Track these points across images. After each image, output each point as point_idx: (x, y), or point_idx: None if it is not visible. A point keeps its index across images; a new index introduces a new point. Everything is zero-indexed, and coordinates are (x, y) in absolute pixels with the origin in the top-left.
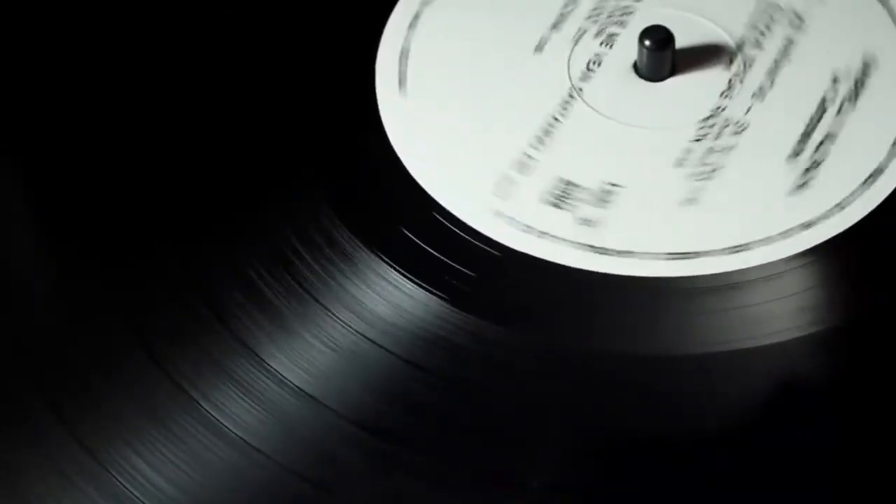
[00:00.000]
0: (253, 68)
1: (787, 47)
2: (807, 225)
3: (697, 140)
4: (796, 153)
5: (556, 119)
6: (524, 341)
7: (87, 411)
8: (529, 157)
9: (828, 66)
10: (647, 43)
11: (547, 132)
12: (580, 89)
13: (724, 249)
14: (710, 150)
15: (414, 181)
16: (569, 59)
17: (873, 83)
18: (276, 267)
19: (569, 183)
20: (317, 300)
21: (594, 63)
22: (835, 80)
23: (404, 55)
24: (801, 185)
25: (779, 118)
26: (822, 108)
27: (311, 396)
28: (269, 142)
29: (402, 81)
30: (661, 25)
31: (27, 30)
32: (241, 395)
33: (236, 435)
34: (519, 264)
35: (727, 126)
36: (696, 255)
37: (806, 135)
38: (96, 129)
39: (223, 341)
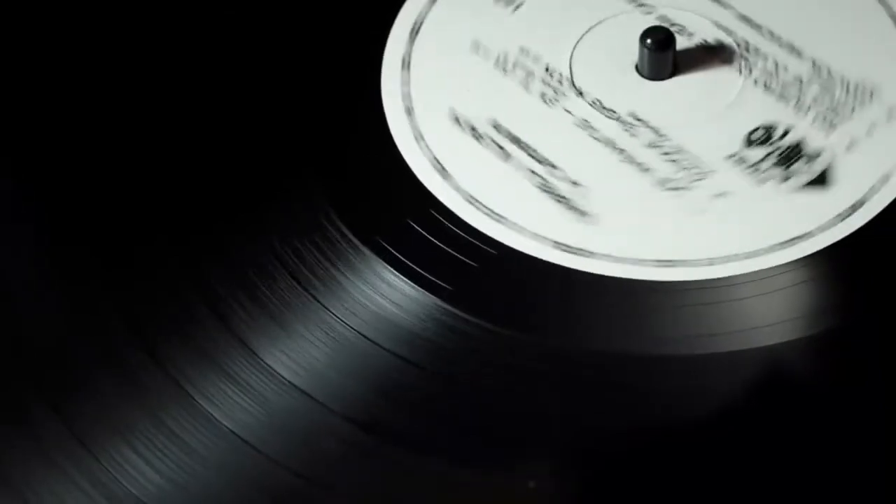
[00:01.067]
0: (252, 69)
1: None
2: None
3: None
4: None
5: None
6: (522, 340)
7: (86, 410)
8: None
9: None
10: (647, 42)
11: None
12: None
13: (700, 260)
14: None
15: (416, 179)
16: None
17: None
18: (274, 265)
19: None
20: (315, 298)
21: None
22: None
23: (413, 35)
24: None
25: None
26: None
27: (309, 395)
28: (269, 141)
29: (405, 64)
30: (661, 26)
31: (27, 30)
32: (240, 393)
33: (235, 433)
34: (519, 264)
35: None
36: (676, 263)
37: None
38: (97, 129)
39: (222, 339)
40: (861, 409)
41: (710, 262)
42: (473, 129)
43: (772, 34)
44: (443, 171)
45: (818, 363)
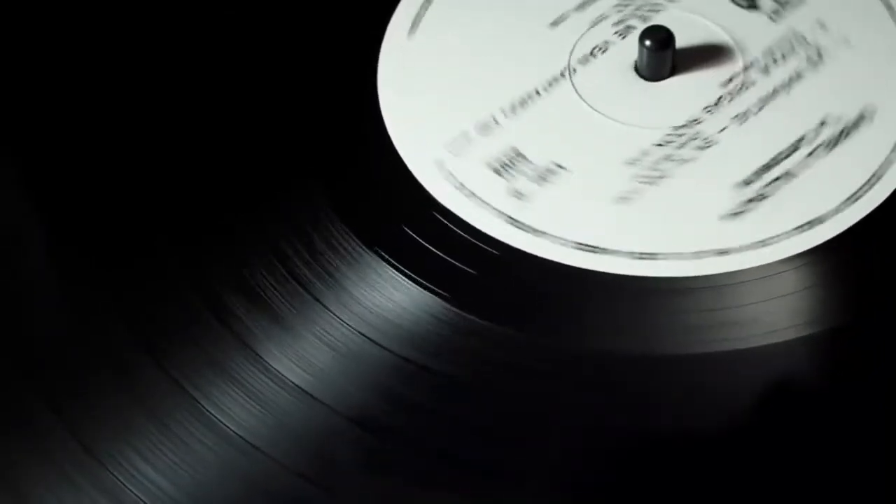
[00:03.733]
0: (252, 71)
1: (792, 80)
2: (722, 252)
3: (659, 145)
4: (747, 182)
5: (536, 93)
6: (524, 341)
7: (87, 411)
8: (495, 121)
9: (822, 108)
10: (646, 43)
11: (523, 103)
12: (574, 70)
13: (631, 253)
14: (667, 158)
15: (415, 180)
16: (577, 40)
17: (859, 136)
18: (275, 266)
19: (518, 154)
20: (316, 299)
21: (599, 50)
22: (822, 124)
23: (406, 49)
24: (736, 214)
25: (748, 145)
26: (794, 147)
27: (310, 395)
28: (269, 142)
29: (412, 24)
30: (662, 26)
31: (27, 29)
32: (241, 394)
33: (236, 434)
34: (519, 264)
35: (694, 139)
36: (603, 251)
37: (766, 167)
38: (98, 131)
39: (223, 340)
40: (861, 410)
41: (641, 255)
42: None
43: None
44: (444, 171)
45: (820, 362)
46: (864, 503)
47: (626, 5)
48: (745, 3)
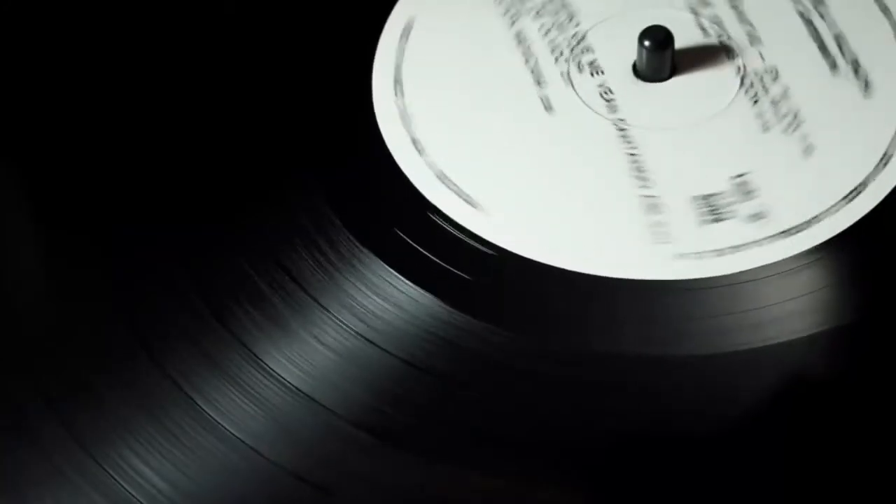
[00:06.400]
0: (252, 72)
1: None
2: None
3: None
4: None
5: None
6: (522, 341)
7: (85, 411)
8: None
9: None
10: (646, 43)
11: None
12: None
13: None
14: None
15: (409, 182)
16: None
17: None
18: (274, 267)
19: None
20: (315, 300)
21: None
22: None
23: (400, 53)
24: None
25: None
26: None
27: (308, 396)
28: (268, 142)
29: (397, 81)
30: (662, 26)
31: (27, 29)
32: (240, 395)
33: (234, 435)
34: (517, 265)
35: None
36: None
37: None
38: (96, 129)
39: (222, 341)
40: (862, 409)
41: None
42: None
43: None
44: (441, 174)
45: (824, 361)
46: (867, 503)
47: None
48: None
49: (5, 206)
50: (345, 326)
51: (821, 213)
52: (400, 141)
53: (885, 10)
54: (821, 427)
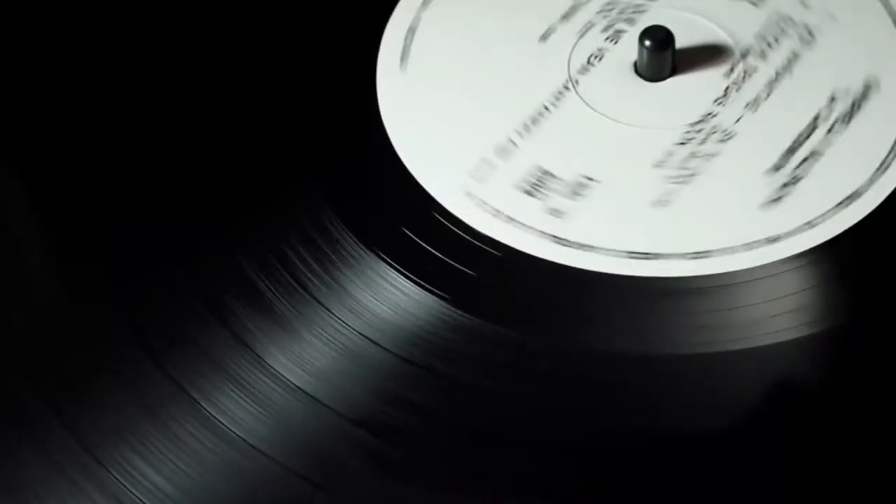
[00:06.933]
0: (252, 71)
1: (792, 61)
2: (773, 239)
3: (682, 143)
4: (777, 167)
5: (546, 108)
6: (524, 341)
7: (87, 411)
8: (513, 142)
9: (828, 84)
10: (646, 43)
11: (535, 120)
12: (576, 81)
13: (684, 254)
14: (693, 155)
15: (414, 181)
16: (571, 52)
17: (870, 106)
18: (275, 266)
19: (545, 172)
20: (316, 300)
21: (595, 57)
22: (832, 99)
23: (408, 40)
24: (775, 200)
25: (767, 130)
26: (812, 126)
27: (310, 396)
28: (269, 141)
29: (403, 57)
30: (662, 25)
31: (27, 29)
32: (241, 395)
33: (236, 434)
34: (519, 265)
35: (714, 133)
36: (656, 256)
37: (791, 150)
38: (97, 130)
39: (223, 341)
40: (861, 409)
41: (695, 255)
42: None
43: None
44: (442, 172)
45: (819, 363)
46: (865, 503)
47: (610, 10)
48: None
49: (5, 206)
50: (346, 325)
51: (814, 219)
52: (404, 137)
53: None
54: (816, 427)
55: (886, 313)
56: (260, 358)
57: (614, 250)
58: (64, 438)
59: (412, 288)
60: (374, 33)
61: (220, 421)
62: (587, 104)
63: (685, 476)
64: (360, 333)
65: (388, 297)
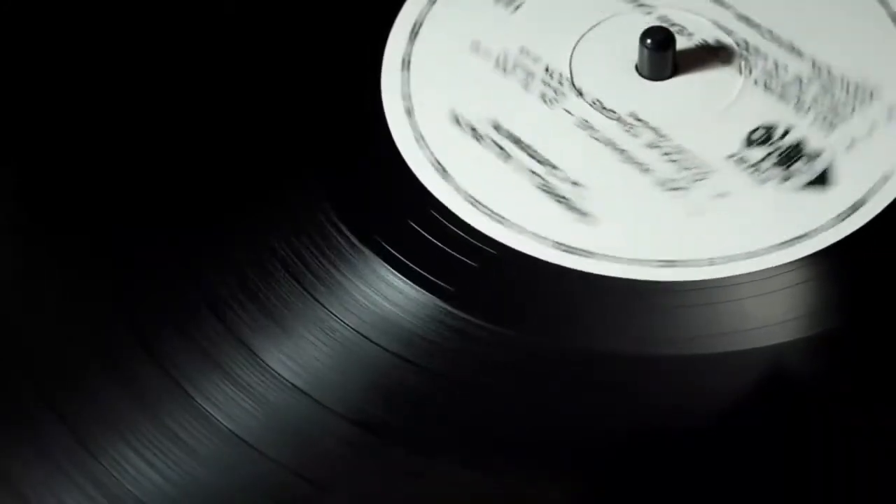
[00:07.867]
0: (254, 70)
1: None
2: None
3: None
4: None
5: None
6: (523, 340)
7: (85, 409)
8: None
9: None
10: (647, 42)
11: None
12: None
13: (686, 259)
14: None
15: (418, 181)
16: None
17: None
18: (274, 265)
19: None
20: (315, 298)
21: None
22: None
23: (413, 39)
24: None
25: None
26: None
27: (309, 395)
28: (269, 140)
29: (407, 56)
30: (662, 26)
31: (27, 29)
32: (240, 393)
33: (233, 432)
34: (518, 264)
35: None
36: (658, 260)
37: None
38: (97, 129)
39: (221, 339)
40: (861, 409)
41: (711, 261)
42: (474, 129)
43: (772, 34)
44: (443, 171)
45: (818, 363)
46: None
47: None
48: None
49: (5, 206)
50: (344, 324)
51: (810, 231)
52: (405, 136)
53: None
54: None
55: (886, 314)
56: (258, 356)
57: (615, 257)
58: (63, 437)
59: (410, 286)
60: (379, 32)
61: (217, 419)
62: (587, 104)
63: (685, 476)
64: (356, 331)
65: (386, 295)
